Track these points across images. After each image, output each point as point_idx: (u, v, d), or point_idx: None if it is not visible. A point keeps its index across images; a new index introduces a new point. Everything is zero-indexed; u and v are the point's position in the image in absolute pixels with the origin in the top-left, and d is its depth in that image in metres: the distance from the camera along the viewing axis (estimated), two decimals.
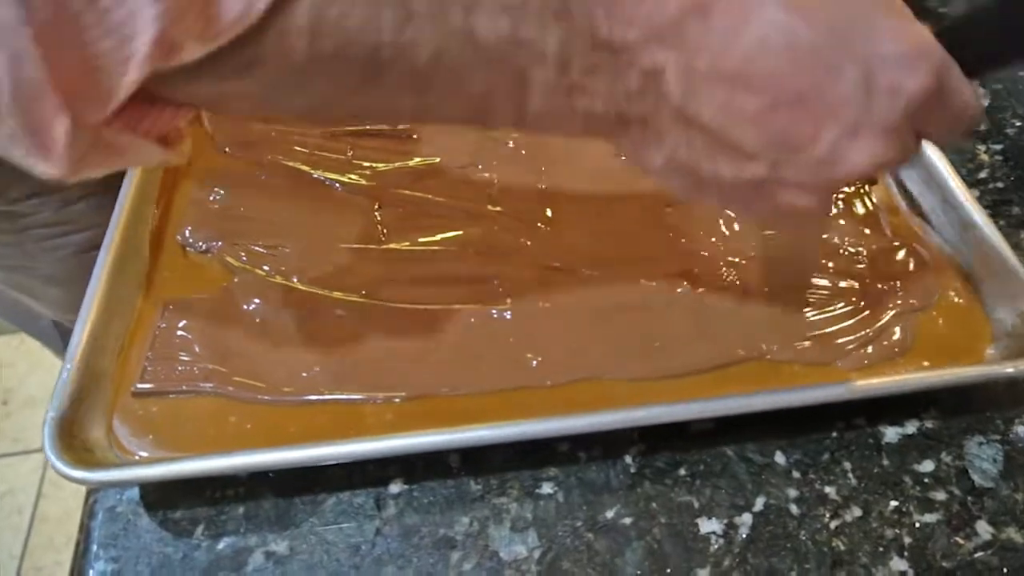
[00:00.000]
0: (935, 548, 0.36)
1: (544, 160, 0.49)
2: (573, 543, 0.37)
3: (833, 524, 0.37)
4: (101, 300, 0.40)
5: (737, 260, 0.43)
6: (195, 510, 0.38)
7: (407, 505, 0.38)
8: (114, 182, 0.45)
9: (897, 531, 0.37)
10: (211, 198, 0.48)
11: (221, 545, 0.37)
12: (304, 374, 0.39)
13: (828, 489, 0.38)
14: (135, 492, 0.39)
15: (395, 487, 0.39)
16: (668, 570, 0.36)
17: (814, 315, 0.41)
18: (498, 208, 0.47)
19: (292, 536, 0.37)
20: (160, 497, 0.39)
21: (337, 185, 0.48)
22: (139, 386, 0.39)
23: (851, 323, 0.41)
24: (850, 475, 0.38)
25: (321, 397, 0.39)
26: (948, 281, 0.43)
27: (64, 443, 0.36)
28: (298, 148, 0.50)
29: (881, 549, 0.36)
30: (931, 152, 0.46)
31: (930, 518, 0.37)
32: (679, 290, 0.42)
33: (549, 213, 0.46)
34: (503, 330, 0.41)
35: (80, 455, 0.36)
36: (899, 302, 0.42)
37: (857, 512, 0.37)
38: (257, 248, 0.45)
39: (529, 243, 0.45)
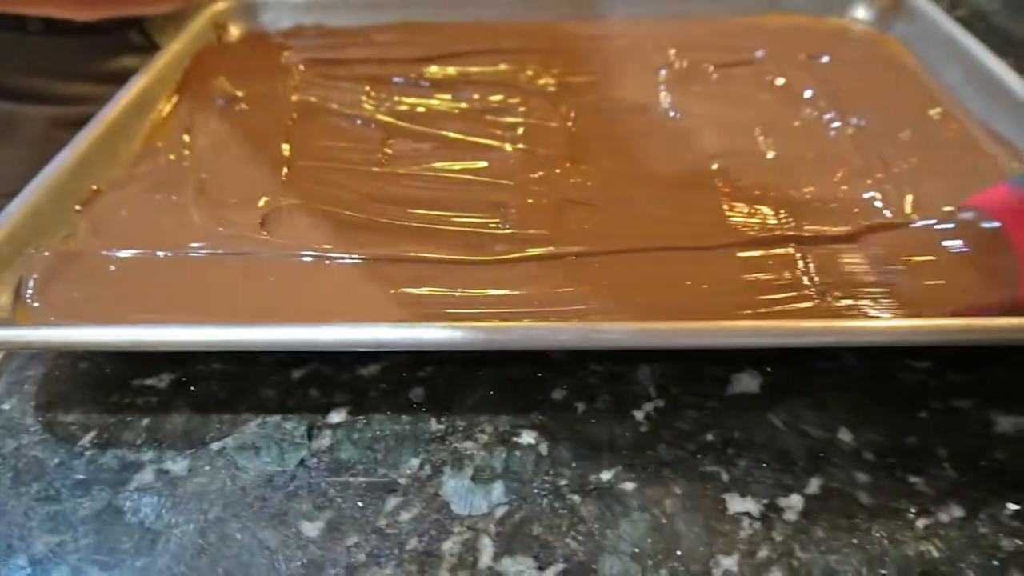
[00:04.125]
0: None
1: (574, 105, 0.43)
2: (551, 504, 0.27)
3: (922, 523, 0.26)
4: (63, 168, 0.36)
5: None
6: (91, 415, 0.31)
7: (345, 437, 0.30)
8: None
9: (1020, 542, 0.25)
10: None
11: (107, 456, 0.29)
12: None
13: (914, 479, 0.27)
14: (31, 387, 0.32)
15: (336, 415, 0.30)
16: (679, 552, 0.25)
17: None
18: (520, 146, 0.41)
19: (195, 456, 0.29)
20: (56, 396, 0.32)
21: (356, 119, 0.43)
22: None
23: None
24: (947, 465, 0.28)
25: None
26: None
27: None
28: (312, 80, 0.47)
29: (996, 563, 0.25)
30: None
31: None
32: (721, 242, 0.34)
33: (574, 154, 0.40)
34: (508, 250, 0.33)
35: None
36: None
37: (958, 512, 0.26)
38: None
39: (548, 175, 0.38)
